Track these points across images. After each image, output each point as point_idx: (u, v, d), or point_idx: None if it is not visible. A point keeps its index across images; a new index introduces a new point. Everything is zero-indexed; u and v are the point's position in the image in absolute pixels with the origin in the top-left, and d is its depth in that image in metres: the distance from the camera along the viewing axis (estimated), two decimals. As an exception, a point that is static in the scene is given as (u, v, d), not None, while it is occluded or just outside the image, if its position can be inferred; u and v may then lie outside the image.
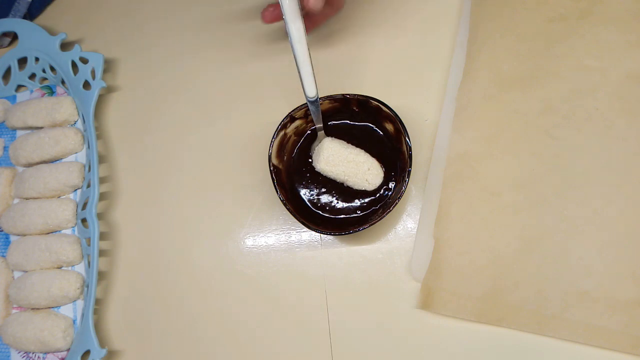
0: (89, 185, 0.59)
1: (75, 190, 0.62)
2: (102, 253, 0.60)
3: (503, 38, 0.53)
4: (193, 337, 0.56)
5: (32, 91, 0.67)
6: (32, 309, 0.60)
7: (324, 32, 0.61)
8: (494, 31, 0.54)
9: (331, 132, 0.54)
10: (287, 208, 0.50)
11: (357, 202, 0.53)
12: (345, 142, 0.52)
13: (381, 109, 0.50)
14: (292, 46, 0.43)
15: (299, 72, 0.45)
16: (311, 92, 0.45)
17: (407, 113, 0.51)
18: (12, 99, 0.68)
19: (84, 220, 0.59)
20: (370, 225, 0.48)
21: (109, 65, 0.66)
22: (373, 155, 0.52)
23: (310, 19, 0.43)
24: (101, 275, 0.60)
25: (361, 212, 0.52)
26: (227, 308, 0.56)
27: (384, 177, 0.52)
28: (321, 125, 0.51)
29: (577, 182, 0.48)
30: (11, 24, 0.68)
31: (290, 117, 0.52)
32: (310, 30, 0.43)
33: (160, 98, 0.64)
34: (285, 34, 0.51)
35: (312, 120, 0.54)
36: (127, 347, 0.58)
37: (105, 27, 0.69)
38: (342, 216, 0.53)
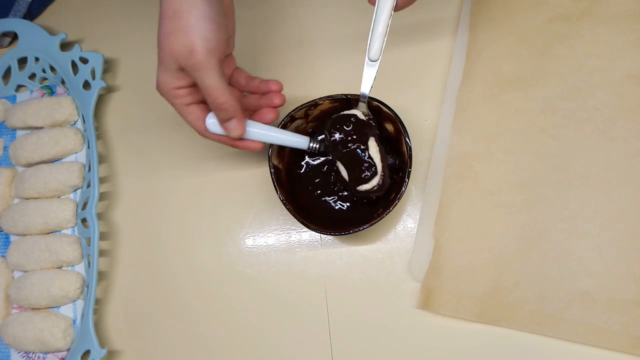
0: (89, 185, 0.59)
1: (75, 190, 0.62)
2: (102, 253, 0.60)
3: (503, 38, 0.53)
4: (193, 337, 0.56)
5: (32, 91, 0.67)
6: (32, 309, 0.60)
7: (324, 33, 0.61)
8: (493, 31, 0.54)
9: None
10: (287, 208, 0.50)
11: (357, 202, 0.53)
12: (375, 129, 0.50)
13: (381, 109, 0.50)
14: (375, 8, 0.45)
15: (370, 34, 0.46)
16: (374, 55, 0.46)
17: (407, 113, 0.50)
18: (12, 99, 0.68)
19: (84, 220, 0.59)
20: (370, 225, 0.48)
21: (109, 65, 0.66)
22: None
23: None
24: (101, 275, 0.60)
25: (361, 212, 0.52)
26: (227, 308, 0.56)
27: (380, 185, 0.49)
28: (366, 94, 0.48)
29: (577, 182, 0.48)
30: (11, 24, 0.68)
31: (291, 117, 0.52)
32: (401, 8, 0.46)
33: (160, 98, 0.63)
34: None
35: (312, 120, 0.54)
36: (127, 347, 0.58)
37: (105, 27, 0.69)
38: (342, 216, 0.53)
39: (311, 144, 0.50)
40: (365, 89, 0.47)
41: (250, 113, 0.50)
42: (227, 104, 0.44)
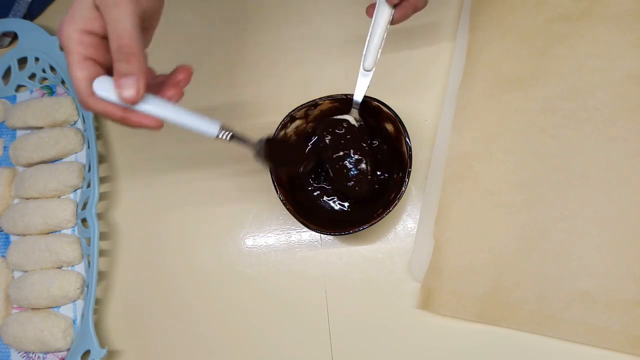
0: (89, 185, 0.59)
1: (75, 190, 0.62)
2: (102, 253, 0.60)
3: (503, 38, 0.53)
4: (193, 337, 0.56)
5: (32, 91, 0.67)
6: (32, 309, 0.60)
7: (323, 33, 0.61)
8: (494, 31, 0.54)
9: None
10: (287, 208, 0.50)
11: (357, 202, 0.53)
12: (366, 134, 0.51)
13: (381, 109, 0.50)
14: (372, 21, 0.45)
15: (366, 45, 0.46)
16: (368, 65, 0.46)
17: (407, 113, 0.50)
18: (12, 99, 0.68)
19: (84, 220, 0.59)
20: (370, 225, 0.48)
21: (109, 65, 0.66)
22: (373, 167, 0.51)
23: (400, 12, 0.45)
24: (101, 275, 0.60)
25: (361, 212, 0.52)
26: (227, 308, 0.56)
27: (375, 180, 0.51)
28: (358, 101, 0.49)
29: (577, 182, 0.48)
30: (11, 24, 0.68)
31: (291, 117, 0.52)
32: (396, 22, 0.46)
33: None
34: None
35: (312, 120, 0.54)
36: (127, 347, 0.58)
37: (105, 27, 0.69)
38: (342, 216, 0.53)
39: (222, 133, 0.41)
40: (358, 97, 0.49)
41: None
42: (134, 55, 0.37)
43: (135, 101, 0.38)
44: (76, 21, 0.37)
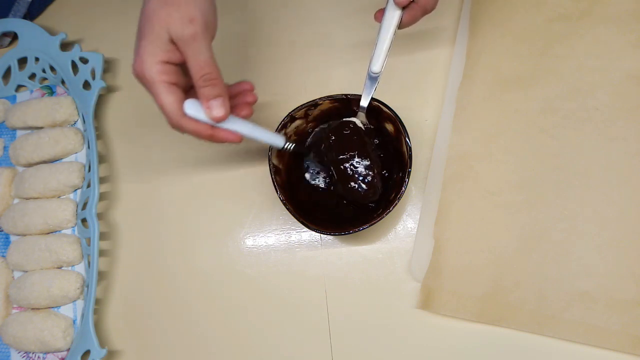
0: (89, 185, 0.59)
1: (75, 190, 0.62)
2: (102, 253, 0.60)
3: (503, 38, 0.53)
4: (193, 337, 0.56)
5: (32, 91, 0.67)
6: (32, 309, 0.60)
7: (324, 32, 0.61)
8: (493, 31, 0.54)
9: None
10: (287, 208, 0.50)
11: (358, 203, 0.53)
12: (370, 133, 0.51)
13: (381, 109, 0.50)
14: (381, 25, 0.46)
15: (374, 48, 0.46)
16: (376, 68, 0.47)
17: (407, 113, 0.50)
18: (12, 99, 0.68)
19: (84, 220, 0.59)
20: (370, 225, 0.48)
21: (109, 65, 0.66)
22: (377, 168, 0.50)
23: (409, 14, 0.46)
24: (101, 275, 0.60)
25: (361, 212, 0.52)
26: (227, 308, 0.56)
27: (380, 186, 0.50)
28: (365, 106, 0.49)
29: (577, 182, 0.48)
30: (11, 24, 0.68)
31: (291, 117, 0.52)
32: (405, 26, 0.46)
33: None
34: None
35: (312, 120, 0.54)
36: (127, 347, 0.58)
37: (105, 27, 0.69)
38: (341, 216, 0.53)
39: (286, 145, 0.49)
40: (364, 102, 0.49)
41: None
42: (217, 80, 0.42)
43: (223, 119, 0.43)
44: (156, 54, 0.41)
